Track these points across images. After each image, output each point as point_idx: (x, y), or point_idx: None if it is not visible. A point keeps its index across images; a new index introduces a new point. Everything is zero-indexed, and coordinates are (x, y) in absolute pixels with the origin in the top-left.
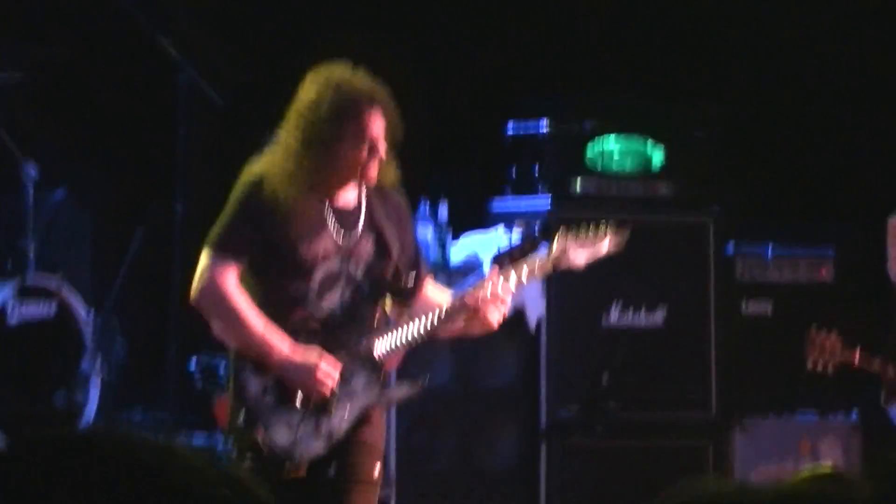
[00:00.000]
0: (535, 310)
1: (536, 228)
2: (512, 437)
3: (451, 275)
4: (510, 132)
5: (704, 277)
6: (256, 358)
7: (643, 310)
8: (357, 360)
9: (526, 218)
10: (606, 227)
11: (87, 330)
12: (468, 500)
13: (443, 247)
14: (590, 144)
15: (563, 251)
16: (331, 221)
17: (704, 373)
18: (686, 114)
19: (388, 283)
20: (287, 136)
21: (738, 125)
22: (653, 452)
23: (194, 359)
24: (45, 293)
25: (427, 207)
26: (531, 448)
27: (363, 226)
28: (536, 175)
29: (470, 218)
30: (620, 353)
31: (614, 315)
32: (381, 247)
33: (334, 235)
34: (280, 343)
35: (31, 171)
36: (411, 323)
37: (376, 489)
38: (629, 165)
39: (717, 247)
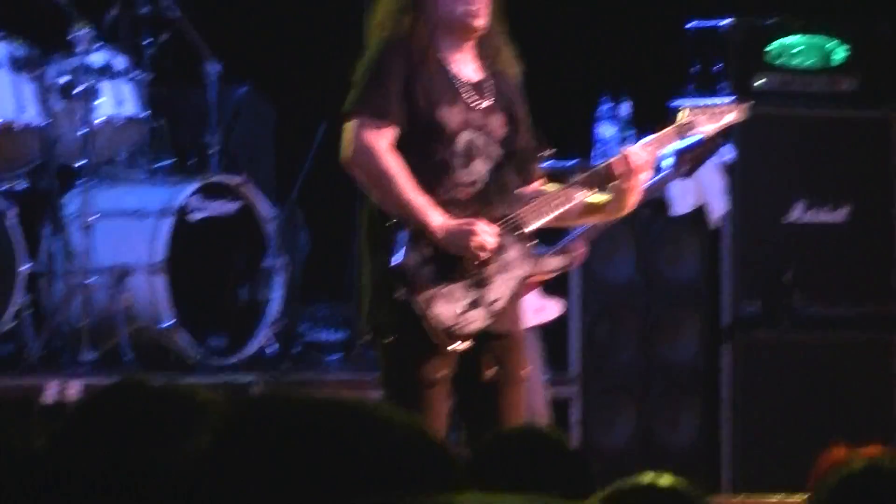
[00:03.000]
0: (718, 205)
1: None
2: (694, 332)
3: None
4: (692, 29)
5: (888, 174)
6: (414, 227)
7: (826, 206)
8: (509, 231)
9: None
10: (732, 100)
11: (271, 226)
12: (650, 395)
13: (624, 145)
14: (772, 40)
15: (692, 120)
16: (463, 91)
17: (887, 269)
18: (870, 8)
19: (522, 159)
20: None
21: None
22: (836, 347)
23: None
24: (229, 190)
25: (609, 106)
26: (714, 343)
27: (494, 99)
28: (718, 72)
29: (652, 116)
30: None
31: (797, 211)
32: (513, 125)
33: (469, 102)
34: (434, 209)
35: (214, 67)
36: (556, 194)
37: (525, 386)
38: (811, 61)
39: None
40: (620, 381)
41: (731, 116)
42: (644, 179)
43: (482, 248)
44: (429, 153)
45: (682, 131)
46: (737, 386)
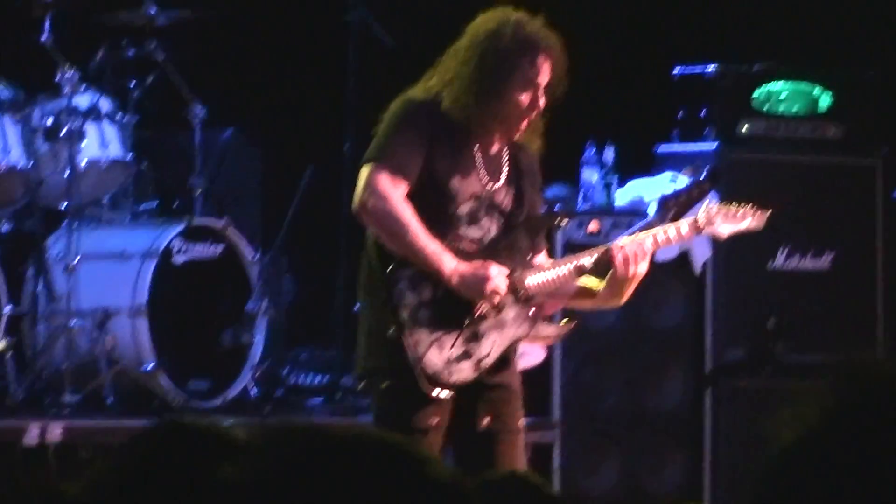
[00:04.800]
0: (702, 252)
1: (705, 174)
2: (678, 378)
3: (616, 217)
4: (677, 75)
5: (872, 220)
6: (417, 271)
7: (810, 253)
8: (511, 290)
9: (693, 161)
10: (752, 206)
11: (254, 270)
12: (633, 441)
13: (608, 190)
14: (758, 87)
15: (711, 219)
16: (480, 165)
17: (871, 315)
18: (856, 55)
19: (531, 227)
20: (460, 64)
21: None
22: (805, 395)
23: None
24: (213, 233)
25: (593, 151)
26: (697, 390)
27: (506, 177)
28: (703, 118)
29: (636, 161)
30: (787, 296)
31: (781, 258)
32: (519, 202)
33: (481, 180)
34: (449, 254)
35: (200, 110)
36: (560, 263)
37: (520, 437)
38: (797, 107)
39: (886, 190)
40: (603, 427)
41: (749, 222)
42: (642, 272)
43: (495, 292)
44: (436, 209)
45: (699, 228)
46: (720, 432)
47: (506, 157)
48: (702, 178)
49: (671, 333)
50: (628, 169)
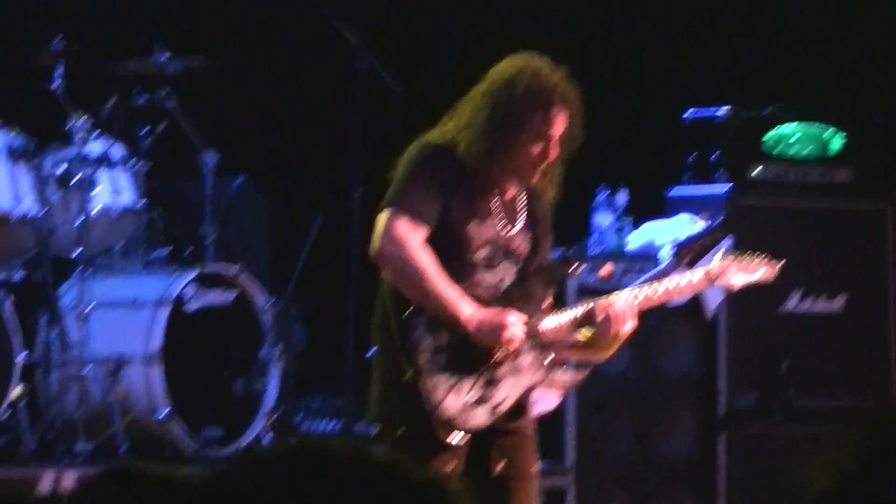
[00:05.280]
0: (714, 297)
1: (719, 222)
2: (690, 424)
3: (629, 262)
4: (689, 118)
5: (884, 264)
6: (434, 316)
7: (822, 296)
8: (528, 336)
9: (704, 204)
10: (765, 257)
11: (266, 318)
12: (646, 487)
13: (620, 234)
14: (768, 130)
15: (724, 269)
16: (496, 210)
17: (884, 359)
18: (866, 98)
19: (546, 273)
20: (474, 111)
21: None
22: (833, 440)
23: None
24: (225, 281)
25: (606, 194)
26: (709, 436)
27: (523, 223)
28: (715, 161)
29: (648, 205)
30: (800, 340)
31: (793, 302)
32: (534, 248)
33: (497, 225)
34: (466, 300)
35: (211, 158)
36: (573, 307)
37: (537, 483)
38: (808, 151)
39: None
40: (615, 473)
41: (761, 273)
42: (626, 332)
43: (512, 340)
44: (452, 255)
45: (712, 280)
46: (732, 478)
47: (522, 203)
48: (716, 226)
49: (683, 379)
50: (640, 212)
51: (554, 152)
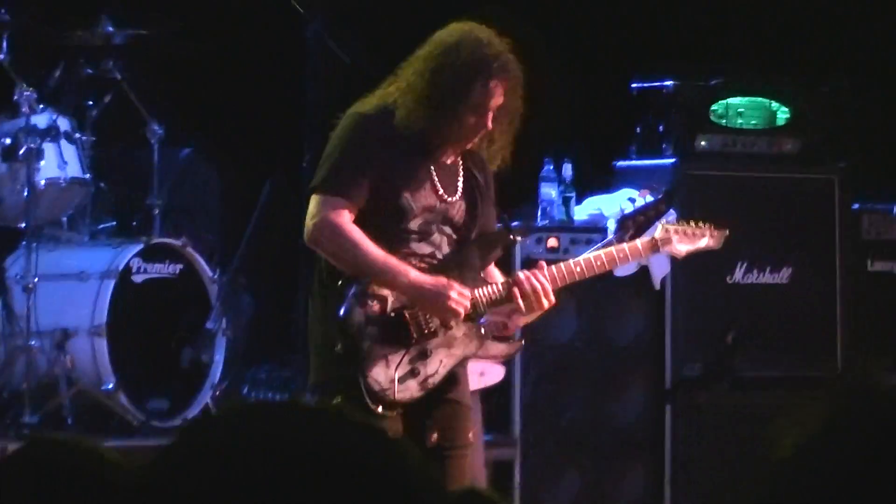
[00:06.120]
0: (661, 267)
1: (663, 194)
2: (638, 394)
3: (575, 233)
4: (635, 90)
5: (830, 234)
6: (367, 286)
7: (769, 267)
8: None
9: (651, 175)
10: (710, 226)
11: (213, 289)
12: (594, 456)
13: (567, 206)
14: (716, 101)
15: (668, 237)
16: (433, 177)
17: (830, 330)
18: (813, 70)
19: (484, 243)
20: (415, 75)
21: (864, 81)
22: (778, 409)
23: None
24: (172, 252)
25: (552, 167)
26: (657, 405)
27: (461, 190)
28: (662, 132)
29: (594, 177)
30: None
31: (740, 272)
32: (472, 216)
33: (436, 192)
34: (407, 267)
35: (158, 129)
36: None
37: (471, 452)
38: (754, 122)
39: (843, 204)
40: (564, 443)
41: (706, 241)
42: (541, 308)
43: (457, 306)
44: (387, 225)
45: (657, 246)
46: (680, 447)
47: (461, 170)
48: (660, 198)
49: (631, 348)
50: (587, 184)
51: (491, 123)
